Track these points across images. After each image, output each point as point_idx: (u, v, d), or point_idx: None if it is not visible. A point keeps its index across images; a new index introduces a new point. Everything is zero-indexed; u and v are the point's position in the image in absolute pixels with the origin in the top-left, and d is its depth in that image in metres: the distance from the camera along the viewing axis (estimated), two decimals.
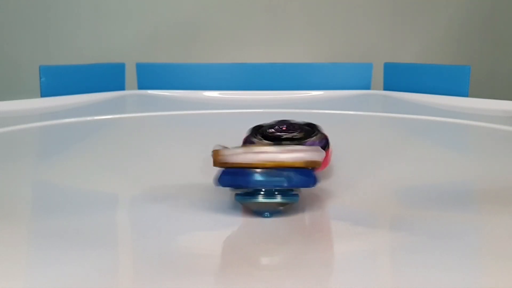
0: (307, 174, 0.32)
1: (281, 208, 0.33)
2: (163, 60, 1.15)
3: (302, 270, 0.28)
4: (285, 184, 0.32)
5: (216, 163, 0.33)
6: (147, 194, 0.40)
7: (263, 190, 0.32)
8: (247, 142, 0.40)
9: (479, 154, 0.57)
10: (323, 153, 0.34)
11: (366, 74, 0.99)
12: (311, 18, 1.72)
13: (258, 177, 0.31)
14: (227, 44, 1.67)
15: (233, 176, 0.32)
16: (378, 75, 1.00)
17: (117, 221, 0.36)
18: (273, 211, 0.33)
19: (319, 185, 0.40)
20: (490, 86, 1.71)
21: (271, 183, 0.32)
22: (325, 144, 0.40)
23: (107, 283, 0.26)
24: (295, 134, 0.40)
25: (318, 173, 0.40)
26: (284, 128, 0.41)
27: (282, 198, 0.32)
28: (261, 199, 0.32)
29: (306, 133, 0.40)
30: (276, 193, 0.32)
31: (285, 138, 0.39)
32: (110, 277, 0.27)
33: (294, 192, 0.33)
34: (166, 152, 0.55)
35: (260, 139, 0.40)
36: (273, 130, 0.41)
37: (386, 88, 0.97)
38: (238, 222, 0.34)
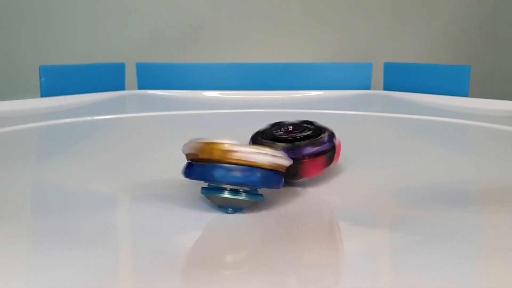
0: (271, 175, 0.33)
1: (245, 206, 0.34)
2: (163, 60, 1.15)
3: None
4: (249, 183, 0.32)
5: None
6: (147, 194, 0.40)
7: (229, 186, 0.33)
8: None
9: (479, 154, 0.57)
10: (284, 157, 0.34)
11: (366, 74, 0.99)
12: (311, 18, 1.72)
13: (221, 172, 0.32)
14: (227, 44, 1.67)
15: (198, 169, 0.33)
16: (378, 75, 1.00)
17: (116, 221, 0.36)
18: (237, 208, 0.34)
19: (319, 184, 0.41)
20: (490, 86, 1.71)
21: (234, 180, 0.32)
22: (335, 139, 0.40)
23: (106, 283, 0.26)
24: (307, 133, 0.40)
25: (329, 167, 0.40)
26: (290, 129, 0.41)
27: (246, 197, 0.33)
28: (226, 195, 0.33)
29: (314, 130, 0.40)
30: (241, 191, 0.33)
31: (298, 138, 0.39)
32: (109, 277, 0.27)
33: (259, 192, 0.34)
34: (166, 152, 0.55)
35: (271, 142, 0.39)
36: (280, 131, 0.40)
37: (386, 88, 0.97)
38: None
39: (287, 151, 0.37)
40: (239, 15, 1.68)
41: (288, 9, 1.70)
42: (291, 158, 0.36)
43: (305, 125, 0.41)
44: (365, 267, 0.29)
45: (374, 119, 0.76)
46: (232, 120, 0.75)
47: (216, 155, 0.32)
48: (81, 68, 0.97)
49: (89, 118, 0.72)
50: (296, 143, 0.38)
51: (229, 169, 0.32)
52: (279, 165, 0.33)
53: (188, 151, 0.34)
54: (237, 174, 0.32)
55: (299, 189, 0.40)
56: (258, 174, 0.32)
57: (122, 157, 0.53)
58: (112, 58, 1.39)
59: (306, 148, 0.38)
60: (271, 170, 0.33)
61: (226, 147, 0.32)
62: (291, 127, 0.41)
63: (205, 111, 0.81)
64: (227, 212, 0.34)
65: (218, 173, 0.32)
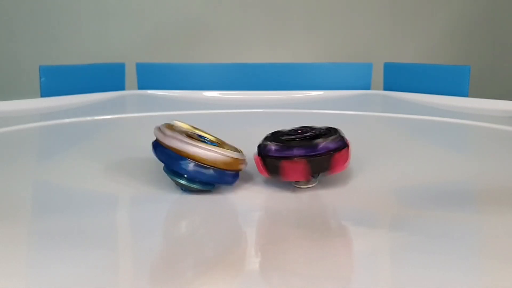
0: (223, 174, 0.38)
1: (195, 190, 0.39)
2: (163, 60, 1.15)
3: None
4: (204, 178, 0.38)
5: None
6: (147, 194, 0.40)
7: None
8: (262, 147, 0.40)
9: (479, 154, 0.57)
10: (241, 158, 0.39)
11: (366, 74, 0.99)
12: (311, 18, 1.72)
13: (185, 166, 0.37)
14: (227, 44, 1.67)
15: (160, 149, 0.38)
16: (378, 75, 1.00)
17: (117, 221, 0.36)
18: (188, 191, 0.39)
19: (319, 184, 0.41)
20: (490, 86, 1.71)
21: (192, 173, 0.37)
22: (340, 146, 0.40)
23: (106, 283, 0.26)
24: (308, 134, 0.40)
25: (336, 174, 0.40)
26: (299, 132, 0.41)
27: (199, 186, 0.38)
28: (183, 181, 0.38)
29: (319, 134, 0.40)
30: (197, 180, 0.38)
31: (295, 139, 0.40)
32: (109, 276, 0.27)
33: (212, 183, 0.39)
34: None
35: (273, 143, 0.40)
36: (288, 134, 0.41)
37: (386, 88, 0.97)
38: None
39: (304, 148, 0.38)
40: (239, 15, 1.68)
41: (288, 9, 1.70)
42: (310, 155, 0.38)
43: (323, 130, 0.41)
44: (365, 266, 0.29)
45: (374, 119, 0.76)
46: (232, 120, 0.75)
47: (159, 138, 0.38)
48: (81, 68, 0.97)
49: (89, 118, 0.72)
50: (314, 141, 0.39)
51: (180, 159, 0.37)
52: (215, 158, 0.37)
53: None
54: (189, 165, 0.37)
55: (303, 190, 0.40)
56: (211, 170, 0.37)
57: (122, 157, 0.53)
58: (112, 58, 1.39)
59: (322, 144, 0.39)
60: (220, 168, 0.37)
61: (166, 132, 0.37)
62: (300, 130, 0.41)
63: (205, 111, 0.81)
64: (181, 190, 0.39)
65: (173, 161, 0.37)
